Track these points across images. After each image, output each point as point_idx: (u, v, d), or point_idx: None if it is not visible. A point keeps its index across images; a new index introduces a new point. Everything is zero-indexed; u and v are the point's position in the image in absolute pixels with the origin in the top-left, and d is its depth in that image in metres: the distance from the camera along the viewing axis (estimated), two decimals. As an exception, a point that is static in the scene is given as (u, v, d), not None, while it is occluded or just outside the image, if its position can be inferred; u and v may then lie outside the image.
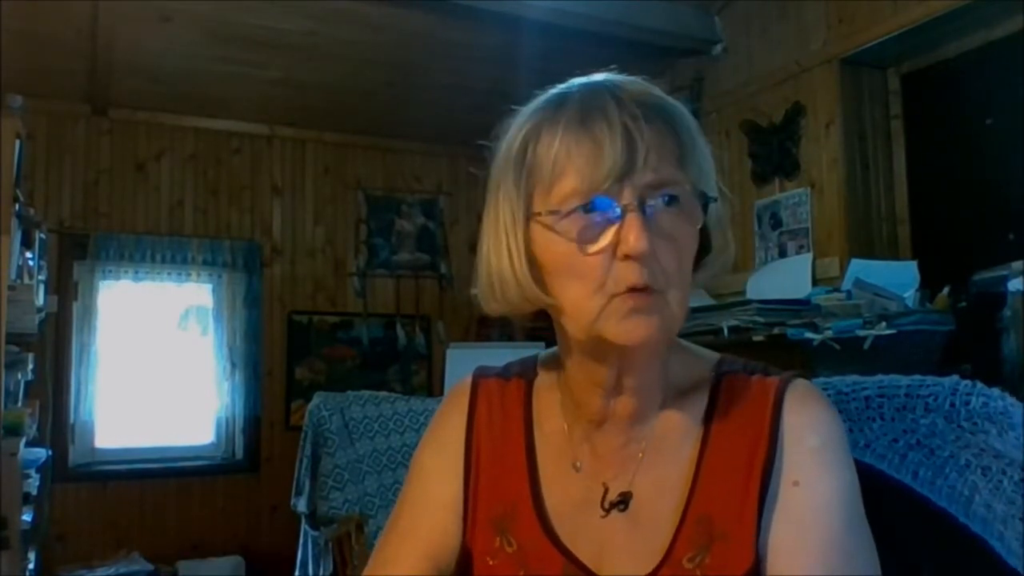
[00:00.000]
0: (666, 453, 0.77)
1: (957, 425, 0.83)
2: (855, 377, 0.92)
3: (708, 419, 0.77)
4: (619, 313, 0.70)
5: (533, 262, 0.75)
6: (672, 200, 0.71)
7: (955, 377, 0.85)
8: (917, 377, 0.88)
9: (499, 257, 0.76)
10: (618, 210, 0.70)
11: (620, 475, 0.78)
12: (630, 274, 0.69)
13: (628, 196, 0.69)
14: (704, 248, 0.77)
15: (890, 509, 0.83)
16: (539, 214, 0.73)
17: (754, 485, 0.72)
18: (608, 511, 0.77)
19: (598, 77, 0.76)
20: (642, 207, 0.69)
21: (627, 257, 0.69)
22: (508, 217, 0.75)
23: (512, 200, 0.75)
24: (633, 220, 0.69)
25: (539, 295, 0.75)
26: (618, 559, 0.75)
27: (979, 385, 0.83)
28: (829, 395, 0.90)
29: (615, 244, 0.69)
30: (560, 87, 0.77)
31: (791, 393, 0.75)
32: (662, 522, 0.75)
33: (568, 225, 0.71)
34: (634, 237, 0.68)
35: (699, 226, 0.74)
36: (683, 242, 0.72)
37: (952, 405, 0.83)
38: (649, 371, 0.77)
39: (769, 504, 0.72)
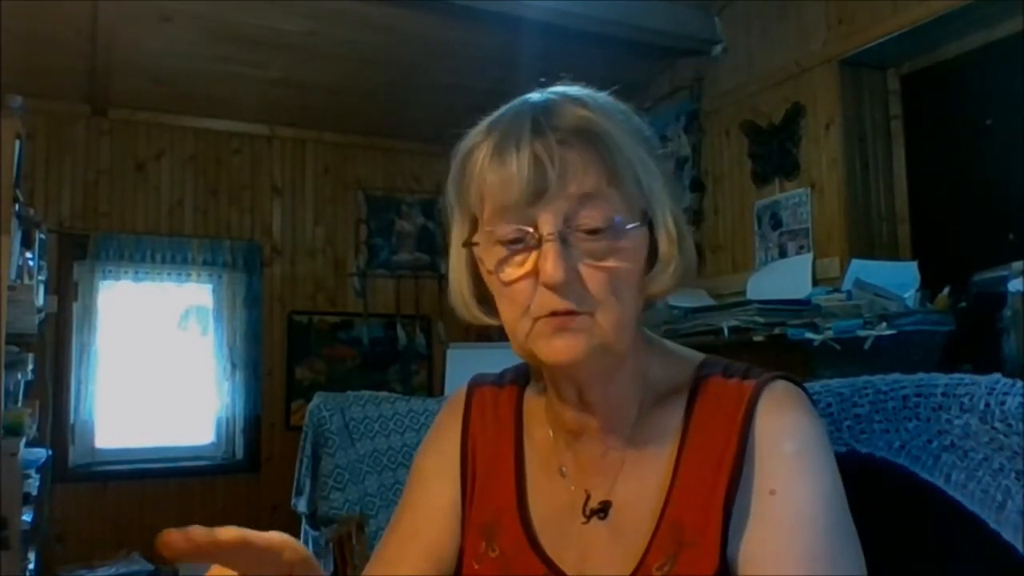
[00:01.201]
0: (646, 460, 0.77)
1: (991, 427, 0.80)
2: (896, 375, 0.89)
3: (686, 424, 0.76)
4: (545, 334, 0.71)
5: (482, 283, 0.77)
6: (598, 231, 0.70)
7: (996, 376, 0.82)
8: (956, 376, 0.85)
9: (453, 278, 0.80)
10: (536, 239, 0.70)
11: (602, 483, 0.78)
12: (551, 301, 0.69)
13: (546, 224, 0.69)
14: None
15: (922, 512, 0.81)
16: (472, 241, 0.75)
17: (720, 492, 0.71)
18: (589, 518, 0.77)
19: (534, 98, 0.75)
20: (561, 234, 0.69)
21: (546, 286, 0.69)
22: (456, 238, 0.78)
23: (458, 223, 0.78)
24: (549, 250, 0.68)
25: (480, 316, 0.78)
26: (599, 566, 0.75)
27: (1018, 384, 0.79)
28: (867, 394, 0.89)
29: (536, 271, 0.70)
30: (502, 108, 0.76)
31: (767, 397, 0.73)
32: (639, 529, 0.74)
33: (493, 252, 0.73)
34: (550, 267, 0.68)
35: (638, 246, 0.72)
36: (614, 267, 0.70)
37: (987, 405, 0.80)
38: (611, 386, 0.77)
39: (740, 512, 0.70)
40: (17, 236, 2.54)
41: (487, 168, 0.72)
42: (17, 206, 2.52)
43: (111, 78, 3.77)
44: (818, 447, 0.71)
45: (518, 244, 0.71)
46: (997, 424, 0.79)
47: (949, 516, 0.81)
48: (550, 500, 0.80)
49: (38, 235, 3.04)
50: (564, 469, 0.81)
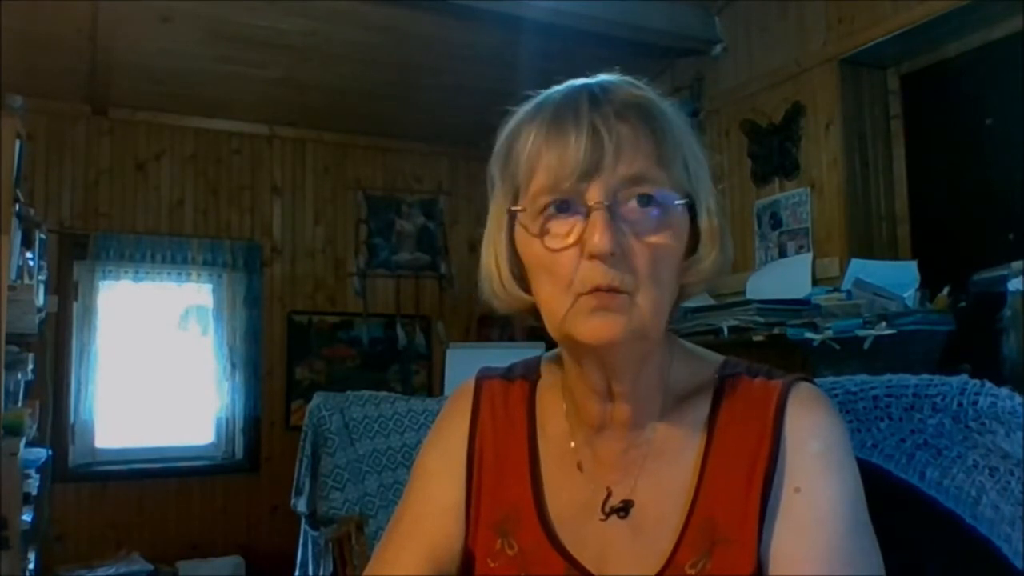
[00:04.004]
0: (669, 458, 0.77)
1: (964, 425, 0.82)
2: (863, 376, 0.91)
3: (711, 423, 0.77)
4: (584, 312, 0.70)
5: (518, 260, 0.77)
6: (647, 200, 0.70)
7: (963, 376, 0.84)
8: (925, 376, 0.87)
9: (488, 255, 0.78)
10: (584, 208, 0.70)
11: (623, 480, 0.78)
12: (595, 274, 0.69)
13: (596, 194, 0.69)
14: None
15: (897, 510, 0.82)
16: (515, 211, 0.75)
17: (756, 490, 0.72)
18: (608, 516, 0.77)
19: (590, 79, 0.76)
20: (610, 206, 0.69)
21: (592, 256, 0.69)
22: (496, 216, 0.78)
23: (499, 199, 0.78)
24: (598, 218, 0.68)
25: (519, 294, 0.77)
26: (620, 563, 0.75)
27: (987, 384, 0.82)
28: (837, 395, 0.90)
29: (582, 243, 0.69)
30: (549, 90, 0.77)
31: (794, 396, 0.75)
32: (665, 527, 0.74)
33: (539, 222, 0.72)
34: (598, 236, 0.68)
35: (682, 228, 0.73)
36: (659, 243, 0.71)
37: (960, 405, 0.82)
38: (641, 377, 0.77)
39: (771, 509, 0.71)
40: (17, 236, 2.54)
41: (543, 138, 0.72)
42: (17, 206, 2.52)
43: (111, 78, 3.77)
44: (842, 448, 0.73)
45: (565, 211, 0.71)
46: (971, 423, 0.81)
47: (924, 513, 0.83)
48: (568, 496, 0.80)
49: (38, 235, 3.04)
50: (582, 464, 0.80)
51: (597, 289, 0.69)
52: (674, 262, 0.73)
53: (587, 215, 0.69)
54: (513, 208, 0.75)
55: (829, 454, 0.72)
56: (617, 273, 0.69)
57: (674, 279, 0.74)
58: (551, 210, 0.71)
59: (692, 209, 0.74)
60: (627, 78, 0.76)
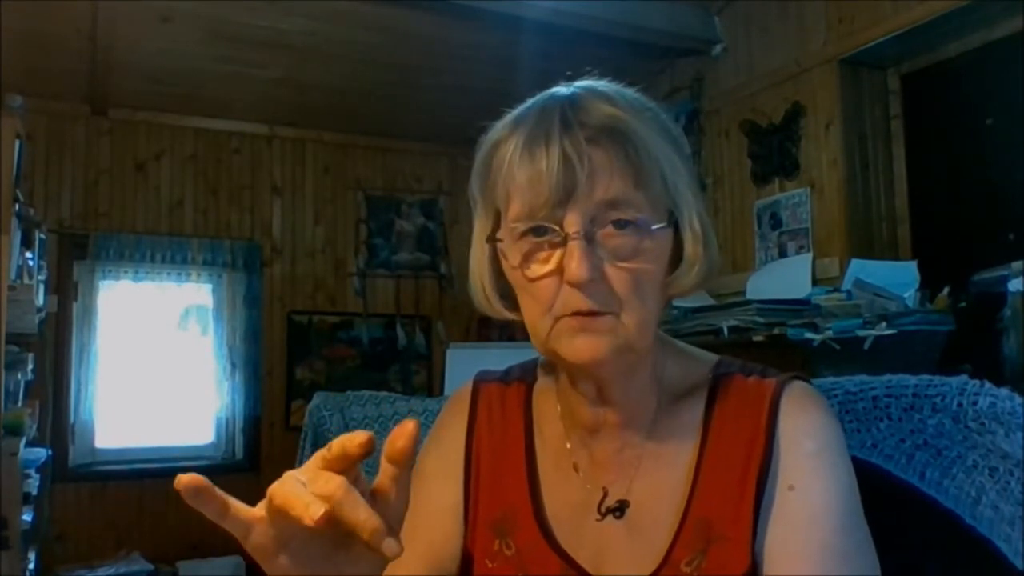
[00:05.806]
0: (664, 457, 0.77)
1: (964, 425, 0.82)
2: (863, 377, 0.91)
3: (706, 422, 0.77)
4: (568, 332, 0.71)
5: (504, 279, 0.77)
6: (624, 223, 0.70)
7: (963, 377, 0.84)
8: (925, 377, 0.87)
9: (474, 273, 0.79)
10: (561, 235, 0.70)
11: (619, 480, 0.78)
12: (575, 299, 0.69)
13: (573, 222, 0.69)
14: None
15: (896, 510, 0.82)
16: (496, 238, 0.75)
17: (750, 488, 0.72)
18: (604, 516, 0.77)
19: (562, 92, 0.75)
20: (587, 233, 0.69)
21: (571, 284, 0.69)
22: (479, 237, 0.78)
23: (482, 219, 0.78)
24: (575, 248, 0.68)
25: (502, 311, 0.78)
26: (617, 562, 0.75)
27: (987, 385, 0.82)
28: (837, 395, 0.90)
29: (561, 269, 0.69)
30: (528, 102, 0.76)
31: (788, 395, 0.75)
32: (661, 526, 0.75)
33: (517, 248, 0.72)
34: (575, 265, 0.68)
35: (663, 247, 0.73)
36: (640, 264, 0.71)
37: (960, 405, 0.82)
38: (631, 384, 0.77)
39: (765, 507, 0.71)
40: (17, 236, 2.54)
41: (516, 164, 0.71)
42: (17, 206, 2.52)
43: (111, 78, 3.77)
44: (836, 446, 0.73)
45: (543, 239, 0.71)
46: (971, 423, 0.82)
47: (924, 513, 0.83)
48: (564, 497, 0.80)
49: (38, 235, 3.04)
50: (578, 465, 0.81)
51: (577, 313, 0.69)
52: (656, 281, 0.73)
53: (564, 242, 0.69)
54: (492, 239, 0.76)
55: (823, 452, 0.72)
56: (597, 298, 0.69)
57: (658, 294, 0.74)
58: (529, 236, 0.71)
59: (676, 221, 0.74)
60: (602, 89, 0.74)
